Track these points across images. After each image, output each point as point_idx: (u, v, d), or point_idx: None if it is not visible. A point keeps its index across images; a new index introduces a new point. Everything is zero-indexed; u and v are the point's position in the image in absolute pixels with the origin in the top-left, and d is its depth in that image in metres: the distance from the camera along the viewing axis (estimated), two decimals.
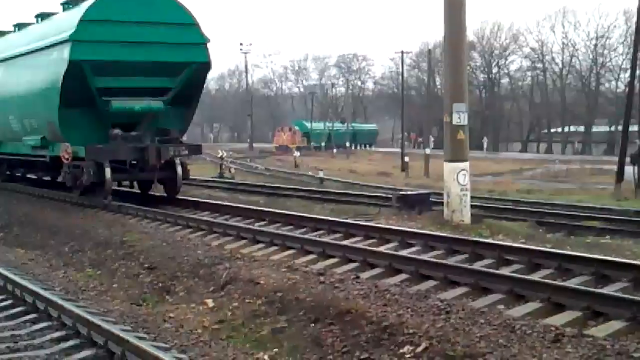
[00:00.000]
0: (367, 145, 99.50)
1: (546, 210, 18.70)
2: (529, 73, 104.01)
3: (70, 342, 7.72)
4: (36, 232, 15.86)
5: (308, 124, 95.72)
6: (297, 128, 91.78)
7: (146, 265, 11.42)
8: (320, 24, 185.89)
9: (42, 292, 9.26)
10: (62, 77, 17.15)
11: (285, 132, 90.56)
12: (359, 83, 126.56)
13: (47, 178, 22.74)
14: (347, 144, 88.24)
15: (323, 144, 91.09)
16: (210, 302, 9.34)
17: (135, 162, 18.18)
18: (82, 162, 17.79)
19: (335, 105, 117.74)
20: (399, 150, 68.03)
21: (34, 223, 16.74)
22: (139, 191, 20.38)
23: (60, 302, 8.69)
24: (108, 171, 17.46)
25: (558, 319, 7.57)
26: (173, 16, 18.07)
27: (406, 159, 53.77)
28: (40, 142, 19.30)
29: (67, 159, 18.02)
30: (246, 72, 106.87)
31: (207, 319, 8.77)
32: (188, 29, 18.27)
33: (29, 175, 23.68)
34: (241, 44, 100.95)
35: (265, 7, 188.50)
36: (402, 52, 70.71)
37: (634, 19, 33.36)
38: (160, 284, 10.54)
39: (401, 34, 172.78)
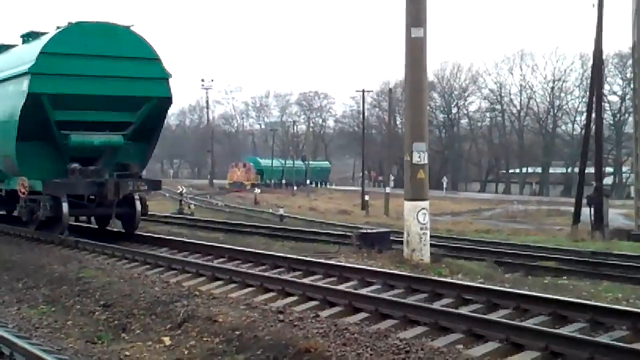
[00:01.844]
0: (322, 183, 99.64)
1: (504, 250, 18.81)
2: (487, 114, 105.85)
3: None
4: None
5: (262, 161, 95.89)
6: (251, 164, 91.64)
7: (102, 302, 11.21)
8: (282, 61, 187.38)
9: None
10: (20, 109, 16.95)
11: (239, 168, 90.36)
12: (320, 121, 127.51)
13: (2, 212, 22.34)
14: (308, 182, 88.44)
15: (283, 181, 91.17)
16: (167, 340, 9.18)
17: (93, 196, 17.97)
18: (39, 196, 17.54)
19: (296, 142, 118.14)
20: (359, 188, 68.33)
21: None
22: (96, 226, 20.11)
23: (13, 339, 8.47)
24: (65, 206, 17.24)
25: (517, 359, 7.57)
26: (135, 50, 18.02)
27: (366, 197, 53.99)
28: None
29: (24, 193, 17.75)
30: (207, 108, 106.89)
31: (163, 358, 8.61)
32: (150, 64, 18.22)
33: None
34: (202, 80, 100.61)
35: (227, 43, 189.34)
36: (363, 91, 71.56)
37: (590, 63, 34.13)
38: (116, 322, 10.35)
39: (362, 73, 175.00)
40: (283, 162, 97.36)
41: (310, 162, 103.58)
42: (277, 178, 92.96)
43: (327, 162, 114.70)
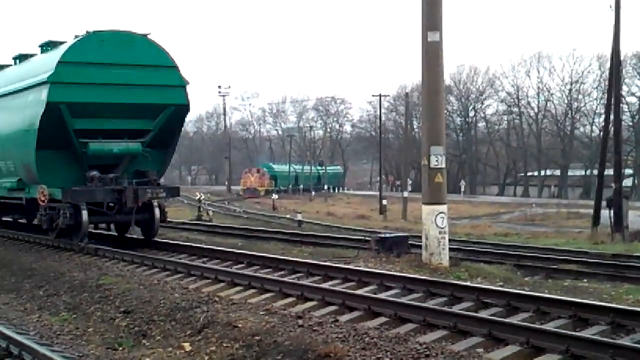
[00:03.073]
0: (335, 188, 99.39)
1: (523, 254, 18.74)
2: (505, 117, 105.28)
3: None
4: (10, 275, 15.64)
5: (275, 166, 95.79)
6: (265, 170, 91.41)
7: (122, 309, 11.28)
8: (299, 67, 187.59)
9: (16, 336, 9.11)
10: (39, 118, 17.08)
11: (253, 174, 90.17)
12: (337, 126, 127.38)
13: (23, 220, 22.51)
14: (326, 187, 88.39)
15: (300, 186, 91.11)
16: (187, 346, 9.22)
17: (112, 204, 18.06)
18: (59, 204, 17.65)
19: (313, 148, 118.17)
20: (376, 193, 68.23)
21: (8, 266, 16.51)
22: (115, 233, 20.21)
23: (34, 346, 8.54)
24: (85, 213, 17.34)
25: None
26: (152, 59, 18.11)
27: (384, 201, 53.86)
28: (16, 184, 19.15)
29: (44, 201, 17.86)
30: (224, 114, 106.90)
31: None
32: (167, 72, 18.31)
33: (4, 218, 23.40)
34: (219, 87, 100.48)
35: (244, 50, 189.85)
36: (380, 96, 71.38)
37: (608, 65, 33.95)
38: (136, 328, 10.41)
39: (379, 77, 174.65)
40: (296, 167, 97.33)
41: (323, 168, 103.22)
42: (291, 183, 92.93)
43: (339, 167, 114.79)
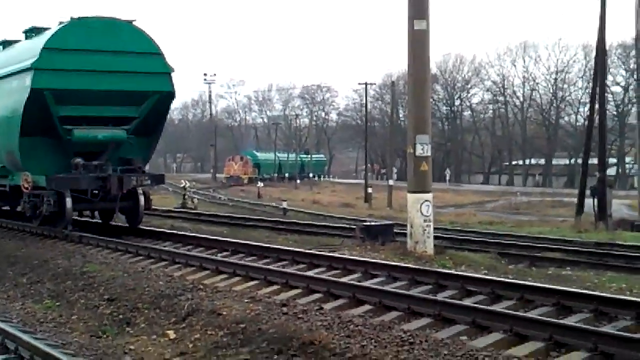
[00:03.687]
0: (318, 176, 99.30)
1: (508, 242, 18.83)
2: (490, 106, 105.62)
3: None
4: None
5: (259, 154, 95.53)
6: (248, 158, 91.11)
7: (106, 297, 11.24)
8: (285, 55, 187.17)
9: None
10: (23, 105, 16.96)
11: (236, 162, 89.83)
12: (323, 114, 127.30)
13: (6, 207, 22.38)
14: (310, 175, 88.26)
15: (286, 174, 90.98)
16: (171, 334, 9.21)
17: (96, 191, 17.98)
18: (43, 191, 17.55)
19: (299, 136, 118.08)
20: (362, 181, 68.31)
21: None
22: (100, 221, 20.14)
23: (17, 334, 8.50)
24: (69, 201, 17.25)
25: (521, 350, 7.58)
26: (137, 45, 18.00)
27: (369, 190, 53.92)
28: None
29: (27, 189, 17.76)
30: (210, 102, 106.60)
31: (168, 351, 8.63)
32: (152, 59, 18.20)
33: None
34: (205, 74, 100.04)
35: (230, 37, 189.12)
36: (366, 84, 71.32)
37: (593, 54, 34.06)
38: (120, 316, 10.38)
39: (365, 66, 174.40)
40: (280, 155, 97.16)
41: (305, 156, 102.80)
42: (275, 171, 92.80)
43: (322, 155, 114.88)
